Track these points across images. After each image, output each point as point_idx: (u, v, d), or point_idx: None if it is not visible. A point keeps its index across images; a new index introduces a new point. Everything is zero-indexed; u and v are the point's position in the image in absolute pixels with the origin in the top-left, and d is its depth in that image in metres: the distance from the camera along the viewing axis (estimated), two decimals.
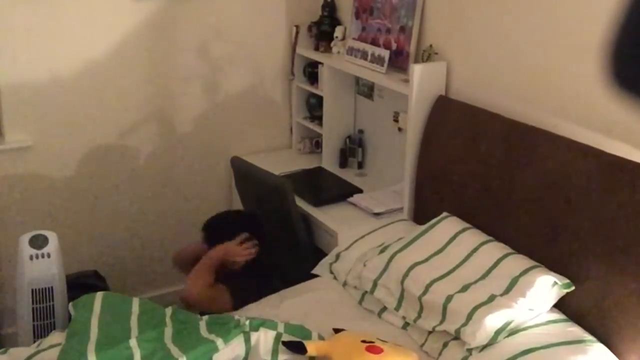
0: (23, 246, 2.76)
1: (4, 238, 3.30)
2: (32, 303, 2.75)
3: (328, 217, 3.19)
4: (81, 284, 3.15)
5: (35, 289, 2.75)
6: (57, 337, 2.46)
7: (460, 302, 2.33)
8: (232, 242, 2.91)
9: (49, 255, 2.77)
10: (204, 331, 2.31)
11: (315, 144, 3.88)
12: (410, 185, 3.07)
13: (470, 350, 2.24)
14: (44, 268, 2.76)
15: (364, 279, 2.63)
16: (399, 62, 3.22)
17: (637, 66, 1.04)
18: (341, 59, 3.50)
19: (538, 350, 2.16)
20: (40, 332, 2.77)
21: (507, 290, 2.31)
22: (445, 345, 2.33)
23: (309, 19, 3.74)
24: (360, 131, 3.71)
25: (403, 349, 2.26)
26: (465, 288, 2.39)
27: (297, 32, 3.75)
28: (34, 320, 2.77)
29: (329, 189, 3.52)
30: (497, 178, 2.65)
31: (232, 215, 3.24)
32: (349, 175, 3.62)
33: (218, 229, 3.03)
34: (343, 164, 3.71)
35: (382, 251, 2.70)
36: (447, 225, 2.69)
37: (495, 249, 2.51)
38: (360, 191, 3.39)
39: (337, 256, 2.85)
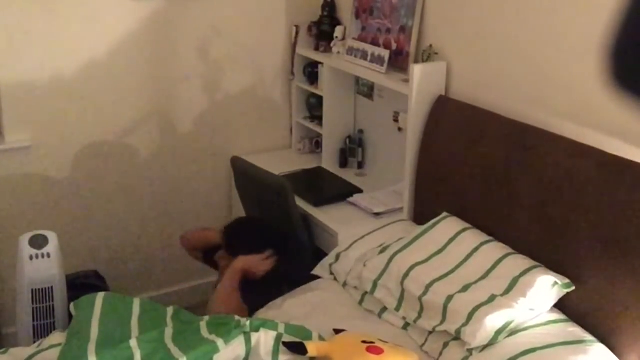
0: (23, 246, 2.76)
1: (4, 238, 3.30)
2: (32, 303, 2.75)
3: (328, 217, 3.19)
4: (81, 284, 3.15)
5: (35, 289, 2.75)
6: (57, 337, 2.46)
7: (460, 302, 2.33)
8: (257, 257, 2.88)
9: (49, 255, 2.77)
10: (204, 331, 2.31)
11: (315, 144, 3.88)
12: (410, 185, 3.07)
13: (470, 351, 2.24)
14: (44, 268, 2.76)
15: (364, 279, 2.63)
16: (399, 62, 3.22)
17: (637, 66, 1.04)
18: (341, 59, 3.50)
19: (538, 350, 2.16)
20: (40, 332, 2.77)
21: (507, 290, 2.31)
22: (445, 345, 2.33)
23: (309, 19, 3.74)
24: (360, 131, 3.71)
25: (403, 350, 2.26)
26: (465, 288, 2.39)
27: (297, 32, 3.75)
28: (34, 320, 2.77)
29: (329, 189, 3.52)
30: (497, 178, 2.65)
31: (259, 227, 3.10)
32: (349, 175, 3.62)
33: (243, 239, 2.98)
34: (343, 164, 3.71)
35: (382, 251, 2.70)
36: (447, 225, 2.69)
37: (495, 249, 2.51)
38: (360, 191, 3.38)
39: (337, 256, 2.85)
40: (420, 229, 2.74)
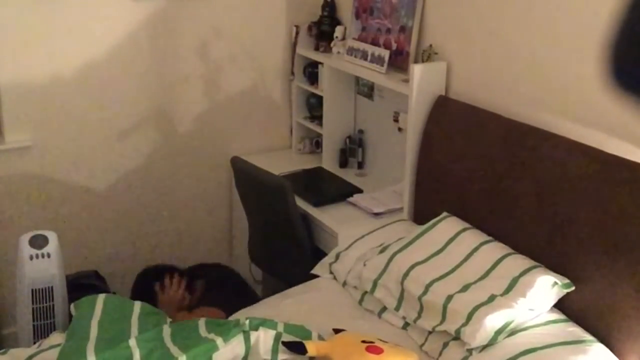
0: (23, 246, 2.76)
1: (4, 238, 3.30)
2: (32, 303, 2.75)
3: (328, 217, 3.19)
4: (81, 284, 3.15)
5: (35, 289, 2.75)
6: (57, 338, 2.47)
7: (460, 302, 2.33)
8: (160, 297, 3.13)
9: (49, 255, 2.77)
10: (203, 330, 2.31)
11: (315, 144, 3.88)
12: (410, 185, 3.07)
13: (470, 351, 2.24)
14: (44, 268, 2.75)
15: (364, 279, 2.63)
16: (399, 62, 3.22)
17: (637, 66, 1.04)
18: (341, 59, 3.50)
19: (538, 350, 2.16)
20: (40, 332, 2.77)
21: (507, 290, 2.31)
22: (445, 345, 2.33)
23: (309, 19, 3.74)
24: (360, 131, 3.71)
25: (403, 349, 2.26)
26: (465, 288, 2.39)
27: (297, 32, 3.75)
28: (34, 320, 2.77)
29: (329, 189, 3.52)
30: (497, 178, 2.65)
31: (136, 291, 3.31)
32: (349, 175, 3.62)
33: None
34: (343, 164, 3.71)
35: (382, 251, 2.70)
36: (447, 225, 2.69)
37: (495, 249, 2.51)
38: (360, 191, 3.38)
39: (337, 256, 2.85)
40: (420, 228, 2.74)
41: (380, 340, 2.24)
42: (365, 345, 2.18)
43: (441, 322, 2.34)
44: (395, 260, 2.60)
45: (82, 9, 3.27)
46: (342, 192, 3.37)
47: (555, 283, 2.31)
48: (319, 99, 3.70)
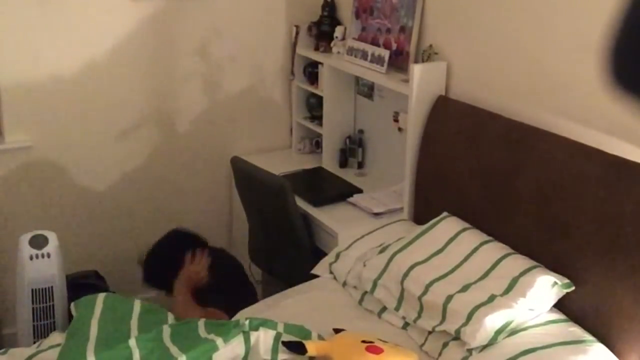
0: (23, 246, 2.77)
1: (4, 238, 3.30)
2: (32, 303, 2.76)
3: (328, 217, 3.19)
4: (81, 284, 3.15)
5: (35, 289, 2.75)
6: (57, 338, 2.47)
7: (460, 302, 2.33)
8: (186, 268, 3.00)
9: (49, 255, 2.77)
10: (202, 331, 2.31)
11: (315, 144, 3.88)
12: (410, 185, 3.07)
13: (470, 351, 2.24)
14: (44, 268, 2.76)
15: (363, 279, 2.63)
16: (399, 62, 3.22)
17: (637, 66, 1.04)
18: (341, 59, 3.50)
19: (538, 350, 2.15)
20: (40, 332, 2.77)
21: (507, 291, 2.31)
22: (445, 345, 2.33)
23: (309, 19, 3.74)
24: (360, 131, 3.71)
25: (403, 349, 2.26)
26: (465, 288, 2.39)
27: (297, 32, 3.75)
28: (34, 320, 2.77)
29: (329, 189, 3.52)
30: (497, 178, 2.65)
31: (164, 246, 3.21)
32: (349, 175, 3.62)
33: (160, 269, 3.09)
34: (343, 164, 3.71)
35: (382, 251, 2.70)
36: (447, 225, 2.69)
37: (495, 249, 2.51)
38: (360, 191, 3.38)
39: (337, 256, 2.85)
40: (420, 228, 2.74)
41: (380, 340, 2.24)
42: (365, 345, 2.18)
43: (441, 322, 2.34)
44: (395, 260, 2.60)
45: (82, 9, 3.27)
46: (342, 192, 3.37)
47: (555, 283, 2.31)
48: (319, 99, 3.70)
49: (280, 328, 2.30)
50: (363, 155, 3.70)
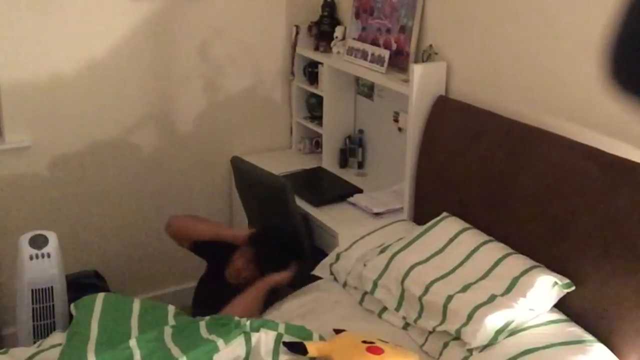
0: (23, 246, 2.77)
1: (4, 238, 3.30)
2: (32, 303, 2.76)
3: (328, 217, 3.19)
4: (81, 284, 3.15)
5: (35, 289, 2.75)
6: (57, 338, 2.47)
7: (460, 302, 2.33)
8: (285, 274, 2.86)
9: (49, 255, 2.77)
10: (204, 331, 2.31)
11: (315, 144, 3.88)
12: (410, 185, 3.07)
13: (470, 351, 2.24)
14: (44, 268, 2.76)
15: (364, 279, 2.63)
16: (399, 62, 3.22)
17: (637, 66, 1.04)
18: (341, 59, 3.50)
19: (538, 350, 2.15)
20: (40, 332, 2.77)
21: (507, 290, 2.31)
22: (445, 345, 2.33)
23: (309, 19, 3.74)
24: (360, 131, 3.71)
25: (403, 350, 2.26)
26: (465, 288, 2.39)
27: (297, 32, 3.75)
28: (34, 320, 2.77)
29: (329, 189, 3.52)
30: (497, 178, 2.65)
31: (286, 241, 3.02)
32: (349, 175, 3.62)
33: (275, 255, 2.93)
34: (343, 164, 3.71)
35: (382, 251, 2.70)
36: (447, 225, 2.69)
37: (495, 249, 2.51)
38: (360, 191, 3.38)
39: (337, 257, 2.85)
40: (420, 229, 2.74)
41: (381, 340, 2.24)
42: (366, 345, 2.18)
43: (441, 322, 2.34)
44: (395, 261, 2.60)
45: (82, 9, 3.27)
46: (342, 192, 3.37)
47: (556, 283, 2.31)
48: (319, 99, 3.70)
49: (281, 329, 2.30)
50: (363, 155, 3.70)
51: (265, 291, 2.78)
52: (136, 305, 2.54)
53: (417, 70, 2.93)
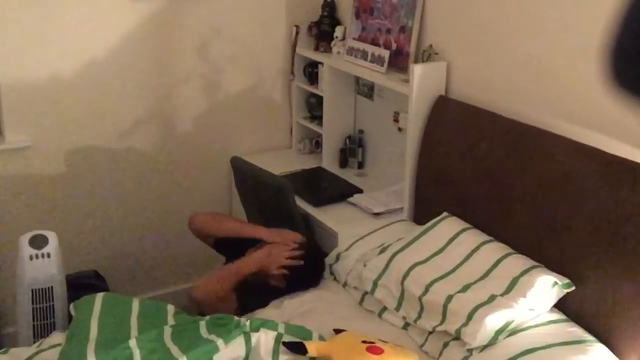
0: (23, 246, 2.77)
1: (4, 238, 3.30)
2: (32, 303, 2.76)
3: (328, 217, 3.19)
4: (81, 284, 3.15)
5: (35, 289, 2.75)
6: (57, 338, 2.47)
7: (460, 302, 2.33)
8: (284, 247, 2.78)
9: (49, 255, 2.77)
10: (203, 331, 2.31)
11: (315, 144, 3.88)
12: (410, 185, 3.07)
13: (470, 351, 2.24)
14: (44, 268, 2.76)
15: (364, 279, 2.63)
16: (399, 62, 3.22)
17: (637, 67, 1.04)
18: (341, 59, 3.50)
19: (538, 350, 2.16)
20: (40, 332, 2.77)
21: (507, 290, 2.31)
22: (445, 345, 2.33)
23: (309, 19, 3.74)
24: (360, 131, 3.71)
25: (403, 350, 2.26)
26: (465, 288, 2.39)
27: (297, 32, 3.75)
28: (34, 320, 2.77)
29: (329, 189, 3.51)
30: (497, 178, 2.65)
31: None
32: (349, 175, 3.61)
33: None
34: (343, 164, 3.71)
35: (382, 251, 2.71)
36: (447, 225, 2.69)
37: (495, 249, 2.51)
38: (360, 191, 3.38)
39: (337, 257, 2.85)
40: (420, 229, 2.74)
41: (381, 340, 2.24)
42: (366, 345, 2.18)
43: (441, 322, 2.34)
44: (395, 261, 2.61)
45: (82, 9, 3.26)
46: (342, 192, 3.37)
47: (556, 283, 2.31)
48: (319, 98, 3.70)
49: (281, 329, 2.31)
50: (363, 155, 3.70)
51: (249, 265, 2.75)
52: (136, 305, 2.54)
53: (417, 70, 2.93)
